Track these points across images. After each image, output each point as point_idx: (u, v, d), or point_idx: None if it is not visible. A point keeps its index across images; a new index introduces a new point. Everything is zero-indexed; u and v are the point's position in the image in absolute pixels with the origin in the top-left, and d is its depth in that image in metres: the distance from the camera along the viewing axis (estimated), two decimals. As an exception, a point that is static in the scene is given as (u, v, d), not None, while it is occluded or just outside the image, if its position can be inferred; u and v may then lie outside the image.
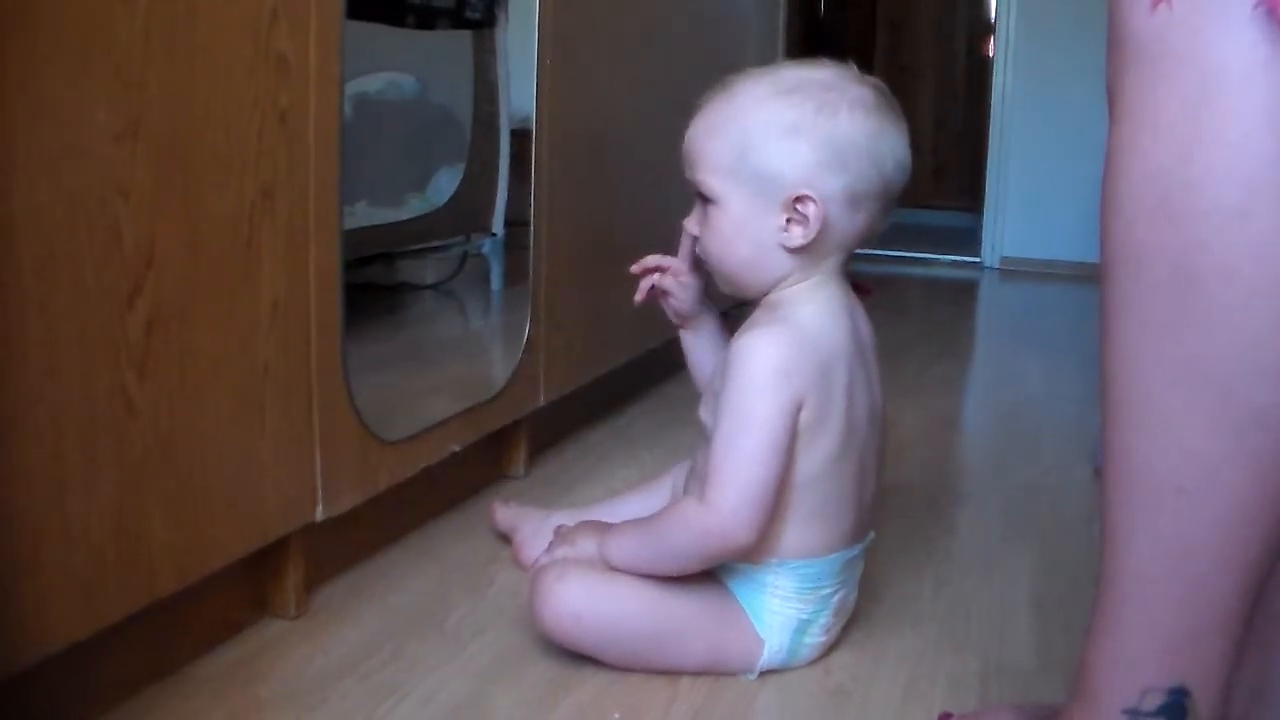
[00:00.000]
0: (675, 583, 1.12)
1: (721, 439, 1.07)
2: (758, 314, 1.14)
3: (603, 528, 1.18)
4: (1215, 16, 0.71)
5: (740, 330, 1.11)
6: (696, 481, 1.13)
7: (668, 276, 1.26)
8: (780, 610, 1.13)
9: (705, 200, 1.12)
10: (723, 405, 1.08)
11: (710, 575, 1.14)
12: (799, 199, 1.08)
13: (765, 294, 1.14)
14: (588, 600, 1.11)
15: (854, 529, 1.15)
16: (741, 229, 1.11)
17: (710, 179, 1.11)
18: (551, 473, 1.75)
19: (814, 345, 1.09)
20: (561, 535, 1.22)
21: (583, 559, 1.15)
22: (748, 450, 1.05)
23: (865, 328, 1.18)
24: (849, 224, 1.10)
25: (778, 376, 1.06)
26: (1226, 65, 0.71)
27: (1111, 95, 0.78)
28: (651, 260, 1.26)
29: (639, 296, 1.28)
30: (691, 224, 1.16)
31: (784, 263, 1.11)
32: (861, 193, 1.09)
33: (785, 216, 1.09)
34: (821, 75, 1.11)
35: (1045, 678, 1.16)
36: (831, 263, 1.13)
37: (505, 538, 1.44)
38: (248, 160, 1.05)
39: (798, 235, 1.09)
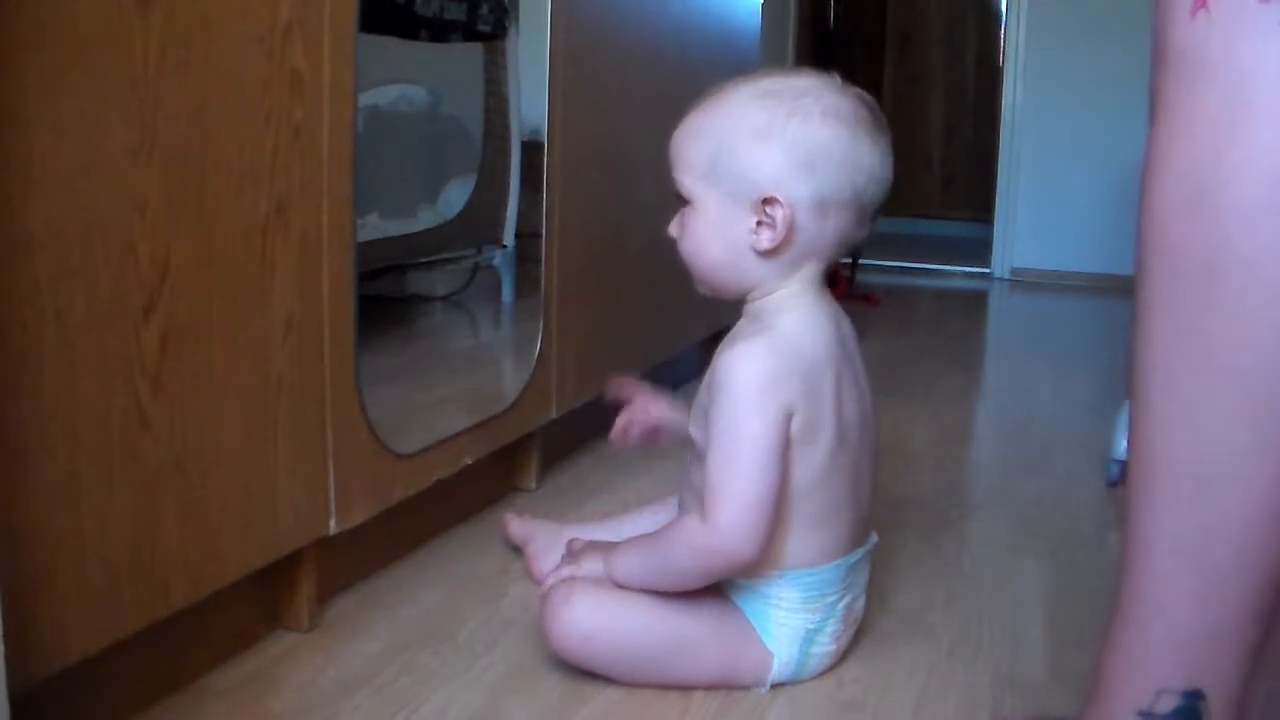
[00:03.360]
0: (682, 599, 1.12)
1: (716, 457, 1.07)
2: (740, 325, 1.15)
3: (609, 547, 1.18)
4: (1250, 23, 0.73)
5: (723, 344, 1.11)
6: (693, 497, 1.13)
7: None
8: (786, 621, 1.13)
9: (683, 202, 1.13)
10: (713, 424, 1.08)
11: (716, 590, 1.14)
12: (767, 201, 1.08)
13: (742, 298, 1.15)
14: (595, 620, 1.12)
15: (853, 534, 1.15)
16: (715, 230, 1.11)
17: (687, 180, 1.12)
18: (563, 485, 1.76)
19: (798, 353, 1.09)
20: (568, 556, 1.23)
21: (590, 578, 1.16)
22: (743, 466, 1.06)
23: (850, 332, 1.18)
24: (818, 230, 1.10)
25: (765, 389, 1.06)
26: (1260, 69, 0.73)
27: (1152, 99, 0.81)
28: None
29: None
30: (673, 227, 1.16)
31: (757, 267, 1.11)
32: (830, 200, 1.09)
33: (755, 219, 1.09)
34: (800, 82, 1.11)
35: (1058, 690, 1.15)
36: (808, 271, 1.13)
37: (518, 550, 1.44)
38: (262, 175, 1.06)
39: (765, 238, 1.09)
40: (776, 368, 1.07)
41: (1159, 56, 0.80)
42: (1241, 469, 0.77)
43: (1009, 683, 1.17)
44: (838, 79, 1.13)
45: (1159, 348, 0.79)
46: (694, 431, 1.15)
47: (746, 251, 1.11)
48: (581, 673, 1.14)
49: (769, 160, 1.08)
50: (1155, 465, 0.81)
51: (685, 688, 1.13)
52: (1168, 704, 0.82)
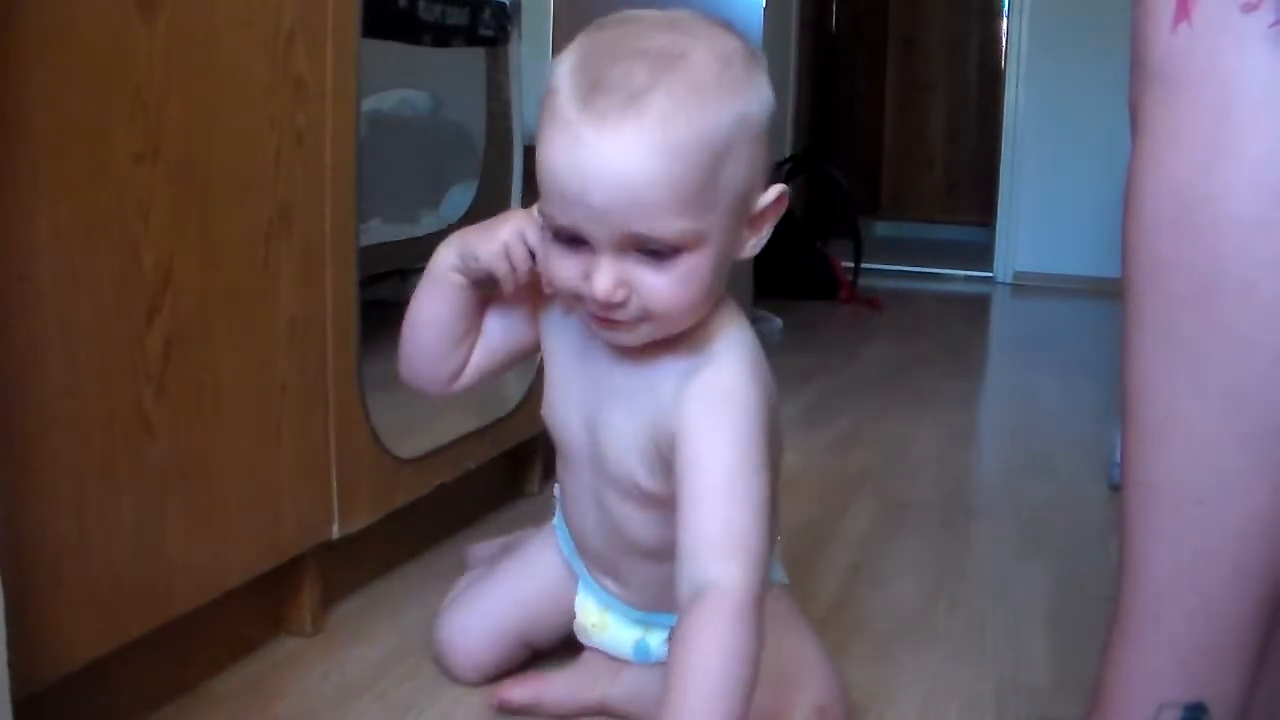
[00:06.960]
0: None
1: (727, 494, 0.85)
2: (696, 346, 0.91)
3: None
4: (1234, 36, 0.72)
5: (689, 367, 0.89)
6: (640, 556, 1.01)
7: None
8: None
9: (659, 255, 0.82)
10: (709, 455, 0.86)
11: None
12: (778, 200, 0.88)
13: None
14: None
15: None
16: (723, 264, 0.86)
17: (687, 223, 0.81)
18: (566, 489, 1.75)
19: (766, 372, 0.92)
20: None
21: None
22: (763, 500, 0.86)
23: None
24: None
25: (765, 411, 0.89)
26: (1247, 82, 0.72)
27: (1133, 113, 0.80)
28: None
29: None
30: (616, 289, 0.83)
31: (723, 279, 0.89)
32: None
33: (754, 226, 0.89)
34: (705, 26, 0.85)
35: (1061, 695, 1.15)
36: None
37: None
38: (265, 181, 1.06)
39: (758, 240, 0.89)
40: (767, 387, 0.91)
41: (1139, 69, 0.79)
42: (1239, 489, 0.76)
43: (1013, 687, 1.17)
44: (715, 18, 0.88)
45: (1152, 368, 0.79)
46: (642, 483, 0.95)
47: (728, 268, 0.88)
48: (585, 677, 1.14)
49: (761, 155, 0.85)
50: (1152, 485, 0.80)
51: None
52: (1170, 717, 0.81)
